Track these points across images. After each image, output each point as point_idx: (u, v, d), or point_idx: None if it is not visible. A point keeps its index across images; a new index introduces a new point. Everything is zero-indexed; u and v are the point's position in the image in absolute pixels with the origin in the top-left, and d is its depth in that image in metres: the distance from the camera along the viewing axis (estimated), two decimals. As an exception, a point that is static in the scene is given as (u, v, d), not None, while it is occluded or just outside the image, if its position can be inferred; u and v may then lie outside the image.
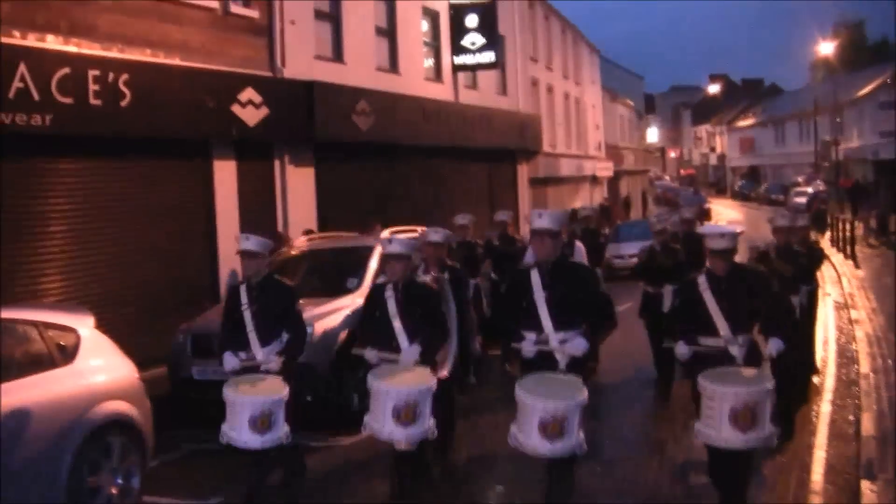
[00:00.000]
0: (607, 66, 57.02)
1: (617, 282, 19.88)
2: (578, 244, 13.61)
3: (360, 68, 21.41)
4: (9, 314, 7.80)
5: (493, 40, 27.33)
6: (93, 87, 13.65)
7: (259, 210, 17.60)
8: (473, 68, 27.65)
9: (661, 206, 60.78)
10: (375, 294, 7.90)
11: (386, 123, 21.01)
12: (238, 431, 7.22)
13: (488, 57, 27.13)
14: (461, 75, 27.56)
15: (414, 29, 25.05)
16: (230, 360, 7.71)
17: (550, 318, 6.85)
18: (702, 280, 7.20)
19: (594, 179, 48.50)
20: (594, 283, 7.31)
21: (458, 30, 27.03)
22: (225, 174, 16.92)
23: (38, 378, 7.61)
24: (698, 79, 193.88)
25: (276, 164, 18.34)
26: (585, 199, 44.10)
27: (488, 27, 27.19)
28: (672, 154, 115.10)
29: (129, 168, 14.99)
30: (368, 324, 7.88)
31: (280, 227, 18.03)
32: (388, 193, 22.01)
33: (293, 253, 14.29)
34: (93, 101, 13.65)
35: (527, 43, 35.33)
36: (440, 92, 25.90)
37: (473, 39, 26.96)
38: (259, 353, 7.71)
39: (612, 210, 44.15)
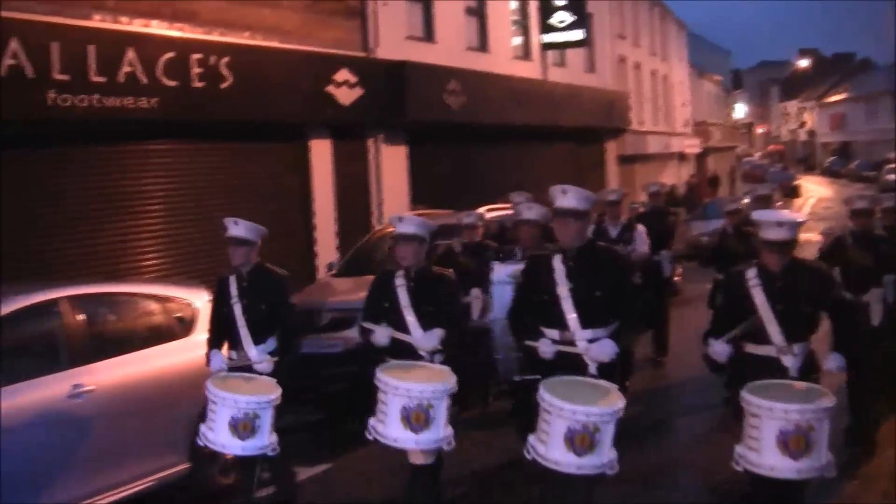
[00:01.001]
0: (694, 42, 56.33)
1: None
2: (639, 228, 11.95)
3: (450, 48, 21.61)
4: (133, 288, 8.23)
5: (582, 18, 27.26)
6: (195, 70, 14.07)
7: (353, 188, 17.95)
8: (562, 46, 27.61)
9: (749, 183, 60.06)
10: (383, 280, 6.86)
11: (476, 103, 21.16)
12: (216, 432, 6.49)
13: (577, 35, 27.07)
14: (549, 53, 27.57)
15: (503, 8, 25.13)
16: (216, 360, 7.03)
17: (577, 314, 5.88)
18: (751, 274, 6.04)
19: (681, 157, 48.07)
20: (628, 273, 6.28)
21: (547, 8, 26.98)
22: (321, 154, 17.28)
23: (160, 349, 8.02)
24: (787, 53, 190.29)
25: (370, 143, 18.67)
26: (672, 177, 43.76)
27: (577, 5, 27.09)
28: (760, 130, 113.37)
29: (229, 148, 15.43)
30: (374, 312, 6.81)
31: (374, 206, 18.36)
32: (477, 172, 22.19)
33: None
34: (195, 83, 14.06)
35: (615, 20, 35.16)
36: (528, 70, 25.96)
37: (562, 17, 26.91)
38: (252, 351, 6.96)
39: (699, 187, 43.77)
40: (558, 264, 5.96)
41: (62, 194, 12.88)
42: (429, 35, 21.21)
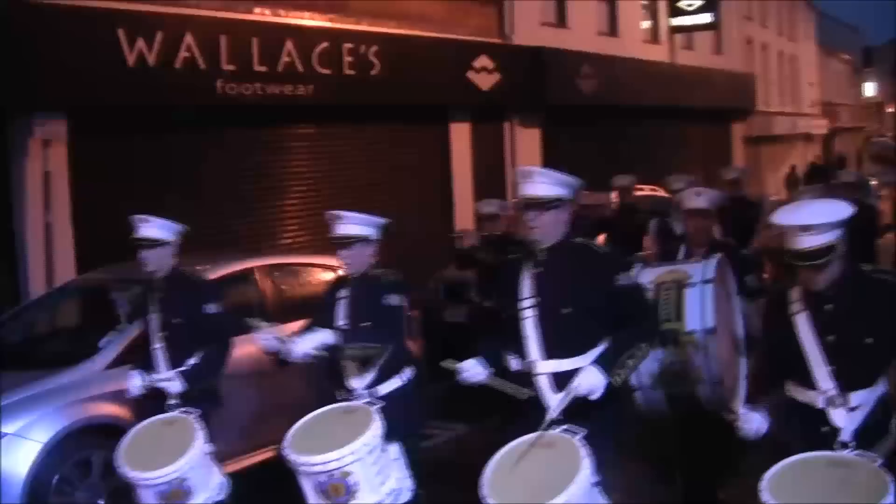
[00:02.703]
0: (823, 20, 55.35)
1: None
2: None
3: (582, 33, 22.16)
4: (309, 259, 9.14)
5: (710, 1, 27.44)
6: (347, 58, 15.03)
7: (490, 170, 18.70)
8: (690, 29, 27.86)
9: (878, 165, 58.72)
10: (331, 291, 5.75)
11: (608, 86, 21.67)
12: None
13: (705, 18, 27.29)
14: (678, 36, 27.84)
15: (633, -8, 25.61)
16: (133, 382, 5.95)
17: (539, 335, 4.52)
18: (795, 297, 4.25)
19: (807, 137, 47.52)
20: (615, 270, 4.56)
21: (676, -9, 27.32)
22: (460, 137, 18.11)
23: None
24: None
25: (507, 126, 19.41)
26: (798, 158, 43.38)
27: (706, -12, 27.35)
28: (890, 109, 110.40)
29: (376, 132, 16.35)
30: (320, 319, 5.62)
31: (509, 186, 19.07)
32: (609, 155, 22.68)
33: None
34: (347, 71, 15.02)
35: (742, 2, 35.07)
36: (657, 53, 26.32)
37: (691, 1, 27.16)
38: (166, 373, 5.85)
39: (825, 170, 43.25)
40: (526, 267, 4.65)
41: (225, 173, 13.97)
42: (562, 20, 21.80)
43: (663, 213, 9.19)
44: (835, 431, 4.06)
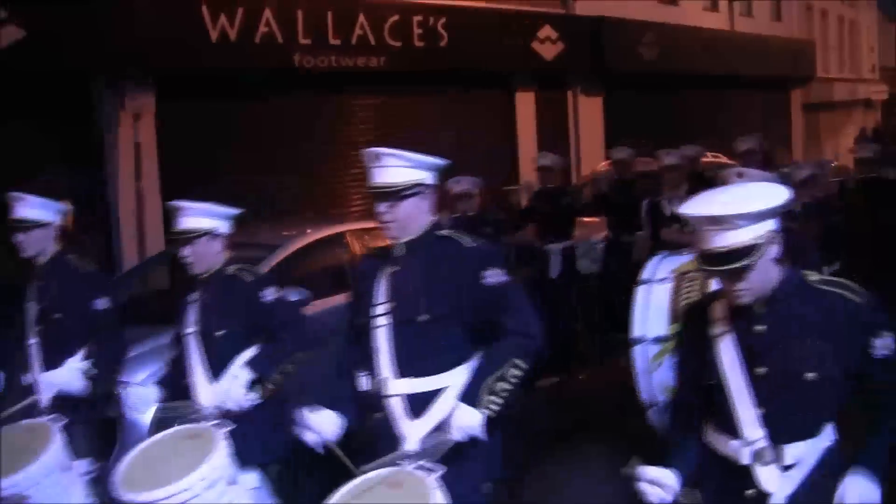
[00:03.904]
0: (883, -15, 54.79)
1: None
2: None
3: (642, 2, 22.35)
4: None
5: (770, -33, 27.49)
6: (416, 30, 15.55)
7: (554, 136, 19.10)
8: (750, -4, 27.93)
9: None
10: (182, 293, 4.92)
11: (668, 54, 21.89)
12: None
13: (765, -16, 27.34)
14: (736, 3, 27.88)
15: (691, -40, 25.71)
16: None
17: (391, 348, 3.74)
18: (717, 314, 3.25)
19: (868, 104, 47.14)
20: (482, 266, 3.71)
21: (734, -42, 27.35)
22: (525, 104, 18.59)
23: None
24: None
25: (569, 94, 19.82)
26: (858, 126, 43.12)
27: (764, -46, 27.37)
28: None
29: (443, 101, 16.86)
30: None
31: (572, 152, 19.50)
32: (668, 121, 22.90)
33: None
34: (417, 43, 15.53)
35: (801, -34, 34.91)
36: (716, 21, 26.39)
37: (750, -33, 27.23)
38: (41, 377, 4.94)
39: (885, 136, 42.88)
40: (383, 266, 3.91)
41: (302, 141, 14.60)
42: (622, -11, 22.06)
43: (654, 192, 8.69)
44: (762, 497, 3.10)
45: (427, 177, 3.84)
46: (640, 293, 5.72)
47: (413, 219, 3.79)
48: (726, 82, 25.97)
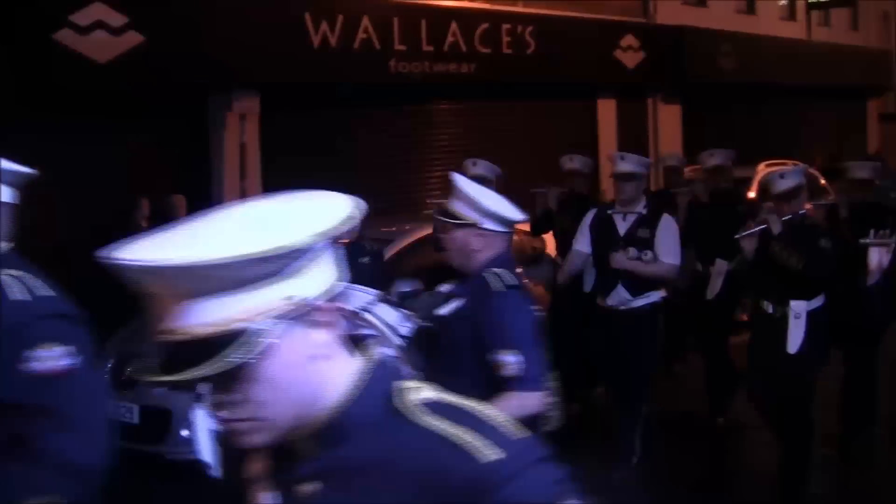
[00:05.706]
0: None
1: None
2: (666, 220, 7.15)
3: (721, 11, 22.66)
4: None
5: (848, -23, 27.55)
6: (505, 38, 16.06)
7: (634, 145, 19.40)
8: (827, 6, 27.91)
9: None
10: None
11: (746, 64, 22.10)
12: None
13: (844, -6, 27.41)
14: (814, 13, 27.96)
15: (770, -30, 25.93)
16: None
17: None
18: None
19: (944, 115, 46.63)
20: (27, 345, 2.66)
21: (813, -32, 27.44)
22: (606, 113, 19.00)
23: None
24: None
25: (650, 103, 20.18)
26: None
27: (843, -36, 27.43)
28: None
29: (528, 108, 17.31)
30: None
31: (653, 162, 19.83)
32: (745, 132, 23.10)
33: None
34: (505, 50, 16.05)
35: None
36: (794, 30, 26.54)
37: (828, -23, 27.29)
38: None
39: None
40: None
41: (393, 146, 15.12)
42: (702, 0, 22.37)
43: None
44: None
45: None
46: None
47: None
48: (804, 91, 26.08)
